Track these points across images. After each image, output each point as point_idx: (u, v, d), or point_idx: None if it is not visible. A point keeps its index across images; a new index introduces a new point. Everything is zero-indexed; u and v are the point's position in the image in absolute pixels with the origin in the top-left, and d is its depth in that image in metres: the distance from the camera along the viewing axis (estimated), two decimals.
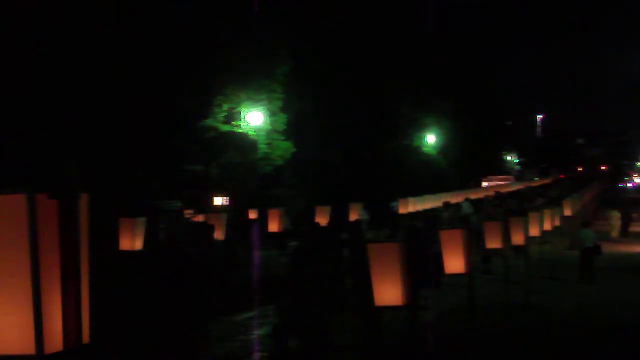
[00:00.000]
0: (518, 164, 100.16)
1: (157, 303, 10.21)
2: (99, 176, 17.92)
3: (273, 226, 17.00)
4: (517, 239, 13.82)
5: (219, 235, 13.97)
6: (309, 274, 9.25)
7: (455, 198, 36.23)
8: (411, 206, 30.46)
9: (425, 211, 28.01)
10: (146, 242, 12.19)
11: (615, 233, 32.06)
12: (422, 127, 51.80)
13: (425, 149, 52.59)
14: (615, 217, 33.45)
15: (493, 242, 11.91)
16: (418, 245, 11.06)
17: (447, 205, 25.25)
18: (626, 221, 33.06)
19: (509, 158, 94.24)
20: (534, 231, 16.01)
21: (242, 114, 28.22)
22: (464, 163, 59.36)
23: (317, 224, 18.52)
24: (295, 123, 30.67)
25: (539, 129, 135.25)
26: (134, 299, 10.40)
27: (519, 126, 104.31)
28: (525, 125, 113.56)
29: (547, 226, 18.44)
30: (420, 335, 10.38)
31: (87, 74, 20.40)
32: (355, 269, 10.52)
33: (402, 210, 27.58)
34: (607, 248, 23.28)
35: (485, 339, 10.95)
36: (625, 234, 32.03)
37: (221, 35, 26.46)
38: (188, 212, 24.49)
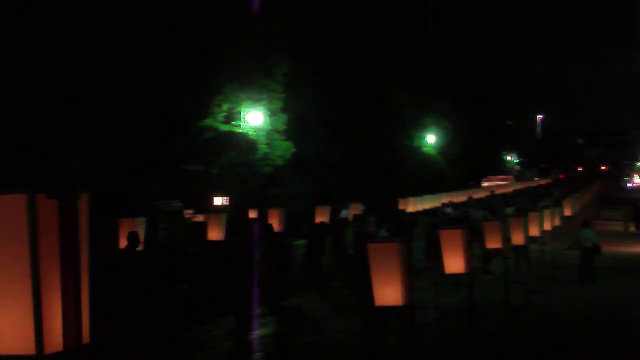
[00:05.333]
0: (518, 164, 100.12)
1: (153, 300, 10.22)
2: (99, 176, 17.91)
3: (273, 226, 16.98)
4: (517, 239, 13.80)
5: (219, 235, 13.96)
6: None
7: (455, 198, 36.32)
8: (411, 206, 30.53)
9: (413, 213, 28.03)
10: (146, 242, 12.20)
11: (632, 228, 32.75)
12: (422, 127, 51.79)
13: (425, 149, 52.58)
14: (628, 214, 34.10)
15: (493, 242, 11.89)
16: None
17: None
18: (638, 218, 33.79)
19: (509, 158, 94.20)
20: (534, 231, 16.00)
21: (242, 114, 28.19)
22: (464, 163, 59.34)
23: (322, 222, 18.61)
24: (295, 123, 30.65)
25: (539, 129, 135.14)
26: (133, 298, 10.40)
27: (519, 126, 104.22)
28: (525, 125, 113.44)
29: (547, 226, 18.44)
30: (420, 335, 10.38)
31: (87, 74, 20.40)
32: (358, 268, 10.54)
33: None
34: (610, 248, 23.32)
35: (485, 339, 10.95)
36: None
37: (221, 34, 26.45)
38: (188, 212, 24.51)
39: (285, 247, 11.74)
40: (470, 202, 29.62)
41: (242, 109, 28.11)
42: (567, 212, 24.06)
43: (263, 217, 16.35)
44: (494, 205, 28.65)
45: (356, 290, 10.97)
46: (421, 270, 16.06)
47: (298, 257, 16.90)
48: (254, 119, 28.16)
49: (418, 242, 18.13)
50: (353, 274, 11.60)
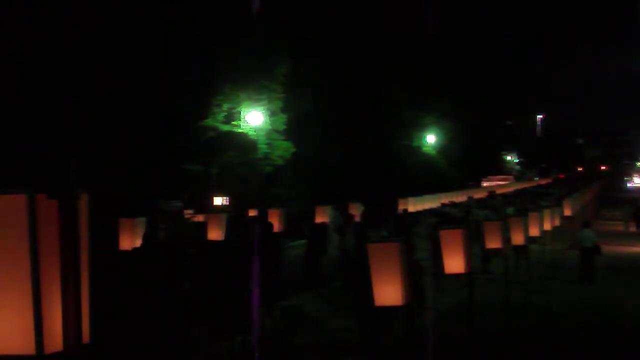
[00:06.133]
0: (518, 164, 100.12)
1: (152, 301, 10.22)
2: (99, 176, 17.91)
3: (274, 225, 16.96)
4: (517, 239, 13.78)
5: (219, 235, 13.94)
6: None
7: (455, 198, 36.31)
8: (411, 206, 30.53)
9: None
10: (146, 242, 12.18)
11: (632, 228, 32.91)
12: (422, 127, 51.79)
13: (425, 149, 52.57)
14: (628, 214, 34.26)
15: (493, 242, 11.87)
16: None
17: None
18: (638, 218, 34.00)
19: (509, 158, 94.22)
20: (534, 231, 15.99)
21: (242, 114, 28.20)
22: (464, 163, 59.34)
23: (322, 223, 18.61)
24: (295, 123, 30.65)
25: (539, 129, 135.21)
26: (133, 298, 10.40)
27: (519, 126, 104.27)
28: (525, 125, 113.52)
29: (547, 226, 18.42)
30: (420, 335, 10.39)
31: (87, 74, 20.40)
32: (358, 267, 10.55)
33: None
34: (610, 248, 23.31)
35: (485, 339, 10.94)
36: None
37: (221, 35, 26.46)
38: (188, 212, 24.50)
39: (277, 247, 11.73)
40: (470, 202, 29.63)
41: (242, 109, 28.13)
42: (567, 212, 24.04)
43: (263, 216, 16.34)
44: (494, 205, 28.66)
45: (356, 290, 10.98)
46: (421, 270, 16.04)
47: (298, 257, 16.89)
48: (254, 119, 28.16)
49: (419, 242, 18.10)
50: (353, 274, 11.59)
